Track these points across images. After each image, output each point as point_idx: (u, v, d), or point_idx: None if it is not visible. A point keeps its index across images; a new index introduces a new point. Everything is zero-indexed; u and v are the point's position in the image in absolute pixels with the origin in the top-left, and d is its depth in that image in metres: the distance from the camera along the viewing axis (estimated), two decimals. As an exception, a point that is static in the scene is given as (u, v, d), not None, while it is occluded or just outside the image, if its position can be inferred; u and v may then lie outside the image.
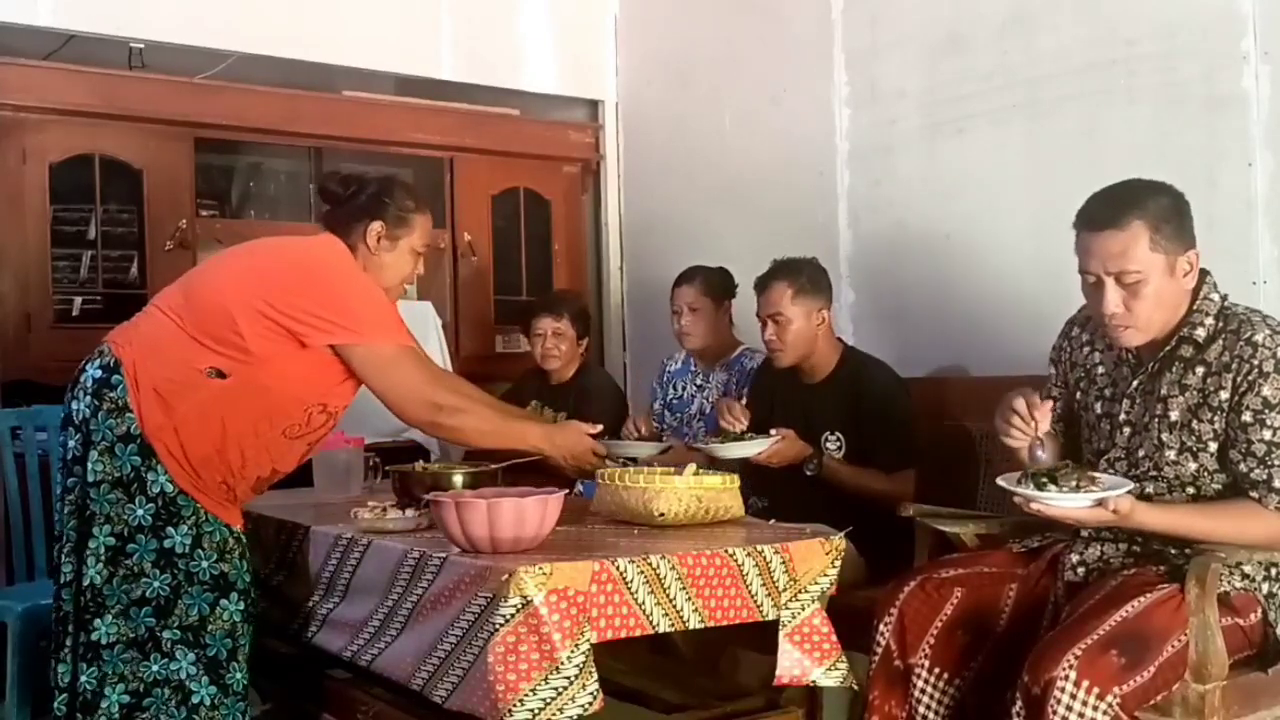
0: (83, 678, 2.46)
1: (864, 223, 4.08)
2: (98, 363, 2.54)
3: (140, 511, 2.46)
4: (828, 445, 3.30)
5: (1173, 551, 2.30)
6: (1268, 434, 2.19)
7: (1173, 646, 2.15)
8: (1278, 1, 3.01)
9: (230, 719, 2.52)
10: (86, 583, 2.45)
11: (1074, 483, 2.17)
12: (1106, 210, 2.26)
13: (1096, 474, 2.24)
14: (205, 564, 2.50)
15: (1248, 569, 2.28)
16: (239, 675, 2.54)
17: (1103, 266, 2.25)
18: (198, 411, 2.50)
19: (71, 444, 2.54)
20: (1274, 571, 2.30)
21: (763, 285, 3.37)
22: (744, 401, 3.42)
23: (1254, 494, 2.22)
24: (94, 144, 4.13)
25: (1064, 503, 2.16)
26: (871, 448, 3.25)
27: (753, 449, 3.13)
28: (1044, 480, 2.18)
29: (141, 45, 4.28)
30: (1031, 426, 2.25)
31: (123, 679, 2.45)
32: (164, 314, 2.58)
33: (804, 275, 3.34)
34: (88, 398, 2.50)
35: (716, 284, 3.83)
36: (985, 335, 3.62)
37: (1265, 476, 2.20)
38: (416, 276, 2.84)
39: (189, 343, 2.52)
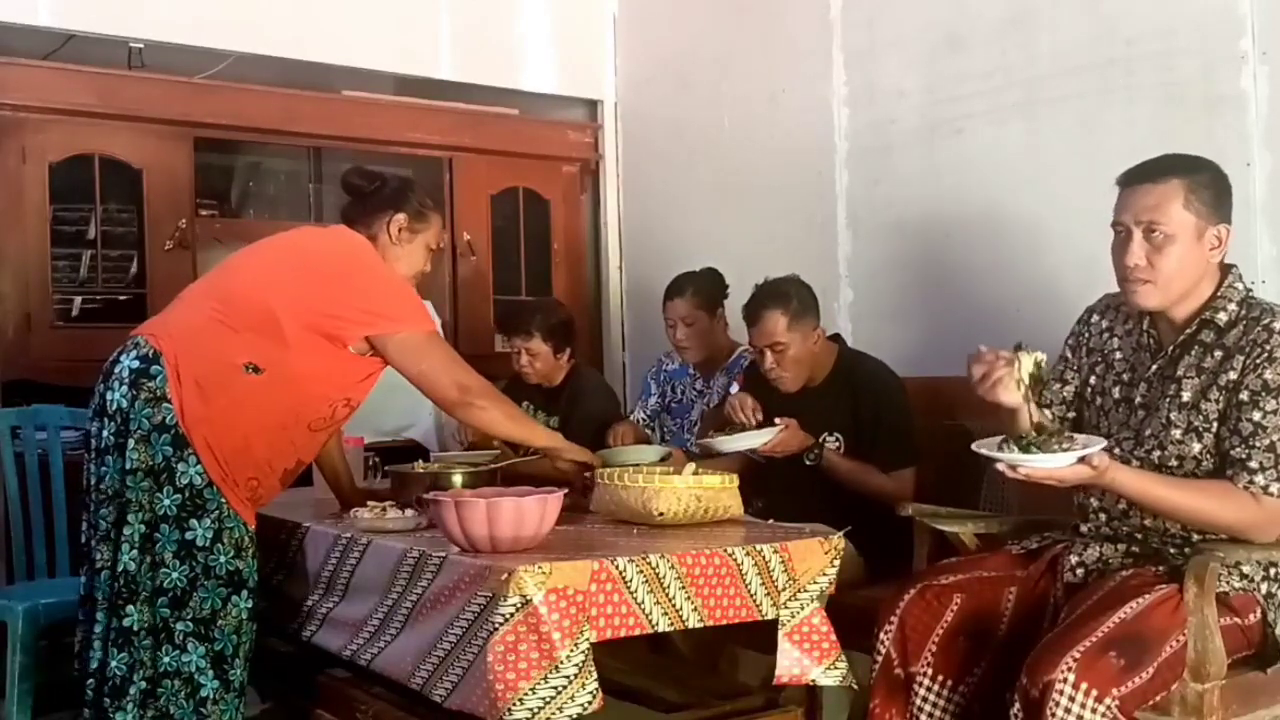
0: (113, 663, 2.51)
1: (863, 222, 4.08)
2: (134, 354, 2.59)
3: (167, 501, 2.51)
4: (827, 446, 3.29)
5: (1171, 551, 2.31)
6: (1257, 415, 2.20)
7: (1171, 647, 2.15)
8: (1276, 1, 3.02)
9: (229, 714, 2.56)
10: (120, 569, 2.51)
11: (1054, 445, 2.16)
12: (1147, 167, 2.33)
13: (1073, 434, 2.25)
14: (223, 559, 2.54)
15: (1246, 569, 2.28)
16: (239, 672, 2.57)
17: (1134, 217, 2.29)
18: (233, 405, 2.56)
19: (105, 433, 2.57)
20: (1273, 571, 2.30)
21: (754, 316, 3.31)
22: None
23: (1229, 471, 2.22)
24: (94, 144, 4.13)
25: (1047, 463, 2.15)
26: (870, 447, 3.25)
27: (758, 440, 3.13)
28: (1026, 443, 2.17)
29: (141, 45, 4.28)
30: (1006, 364, 2.23)
31: (144, 665, 2.50)
32: (203, 308, 2.65)
33: (794, 299, 3.29)
34: (124, 388, 2.55)
35: (708, 292, 3.81)
36: (985, 335, 3.60)
37: (1244, 455, 2.20)
38: (423, 274, 2.91)
39: (230, 336, 2.59)
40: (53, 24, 4.05)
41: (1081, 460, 2.13)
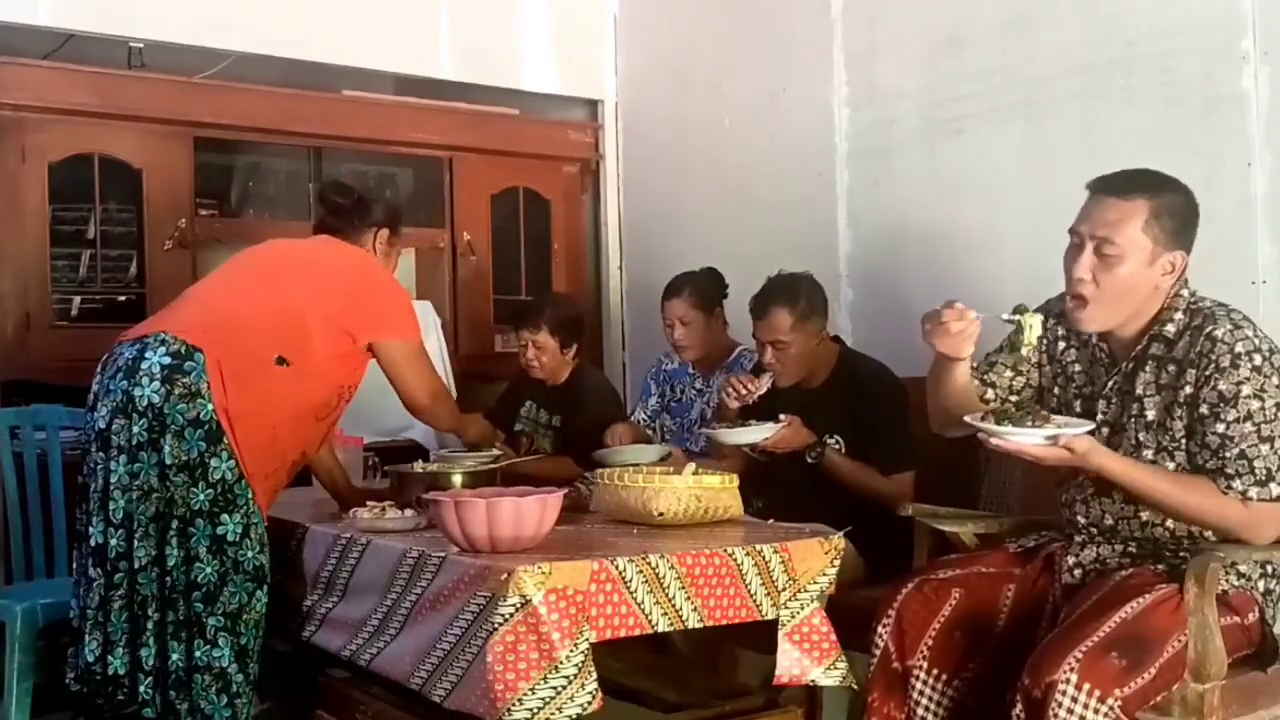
0: (174, 656, 2.54)
1: (863, 223, 4.08)
2: (162, 350, 2.61)
3: (201, 496, 2.55)
4: (829, 445, 3.29)
5: (1170, 550, 2.31)
6: (1221, 427, 2.20)
7: (1172, 647, 2.15)
8: (1277, 1, 3.02)
9: (247, 709, 2.60)
10: (171, 564, 2.55)
11: (1030, 422, 2.21)
12: (1119, 180, 2.30)
13: (1056, 416, 2.28)
14: (250, 554, 2.59)
15: (1243, 567, 2.28)
16: (255, 667, 2.62)
17: (1089, 230, 2.28)
18: (266, 399, 2.64)
19: (136, 430, 2.58)
20: (1269, 568, 2.31)
21: (761, 310, 3.31)
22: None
23: None
24: (93, 143, 4.12)
25: (1020, 438, 2.19)
26: (869, 450, 3.24)
27: (760, 434, 3.13)
28: (1000, 417, 2.24)
29: (141, 45, 4.27)
30: (967, 321, 2.30)
31: (186, 657, 2.56)
32: (231, 306, 2.75)
33: (802, 298, 3.29)
34: (155, 383, 2.57)
35: (705, 292, 3.81)
36: (984, 335, 3.60)
37: (1218, 466, 2.21)
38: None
39: (259, 332, 2.69)
40: (52, 24, 4.05)
41: (1054, 442, 2.17)
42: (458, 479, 2.91)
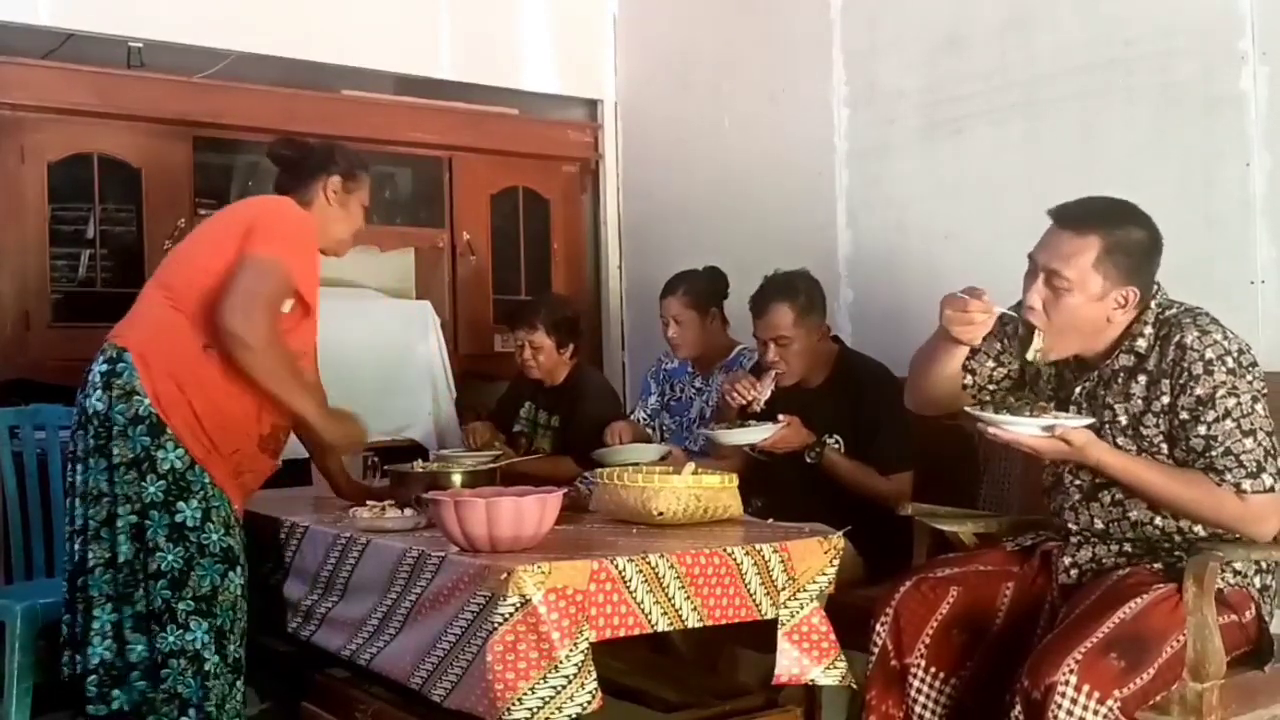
0: (140, 647, 2.57)
1: (862, 222, 4.08)
2: (101, 359, 2.68)
3: (152, 489, 2.58)
4: (828, 445, 3.29)
5: (1164, 548, 2.31)
6: (1203, 429, 2.22)
7: (1171, 647, 2.16)
8: (1276, 2, 3.02)
9: (228, 689, 2.61)
10: (122, 560, 2.58)
11: (1029, 413, 2.26)
12: (1078, 212, 2.30)
13: (1058, 412, 2.31)
14: (215, 536, 2.61)
15: (1239, 565, 2.29)
16: (235, 648, 2.64)
17: (1044, 261, 2.30)
18: (206, 385, 2.63)
19: (88, 438, 2.64)
20: (1264, 564, 2.31)
21: (761, 308, 3.32)
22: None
23: None
24: (93, 143, 4.12)
25: (1017, 429, 2.22)
26: (868, 450, 3.25)
27: (759, 434, 3.14)
28: (1004, 409, 2.29)
29: (140, 44, 4.27)
30: (992, 315, 2.31)
31: (150, 649, 2.58)
32: (154, 300, 2.73)
33: (802, 294, 3.30)
34: (98, 391, 2.63)
35: (701, 292, 3.81)
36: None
37: (1207, 465, 2.23)
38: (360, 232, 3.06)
39: (183, 321, 2.66)
40: (52, 23, 4.05)
41: (1052, 433, 2.18)
42: (457, 479, 2.91)
